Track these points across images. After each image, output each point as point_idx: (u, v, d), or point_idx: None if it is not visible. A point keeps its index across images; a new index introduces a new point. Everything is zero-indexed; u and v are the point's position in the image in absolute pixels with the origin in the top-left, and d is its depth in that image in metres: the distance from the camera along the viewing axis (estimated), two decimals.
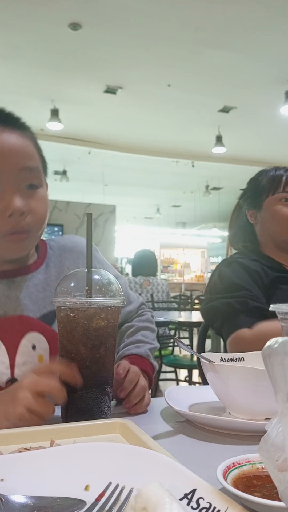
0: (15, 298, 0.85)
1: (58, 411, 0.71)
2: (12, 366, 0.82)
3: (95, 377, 0.68)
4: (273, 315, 1.17)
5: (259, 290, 1.25)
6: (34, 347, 0.84)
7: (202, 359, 0.75)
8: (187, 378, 3.75)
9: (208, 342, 1.46)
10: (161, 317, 3.37)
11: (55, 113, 7.23)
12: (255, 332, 1.12)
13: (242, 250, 1.45)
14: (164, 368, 3.79)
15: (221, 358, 0.81)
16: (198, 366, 1.49)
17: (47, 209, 0.85)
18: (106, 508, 0.39)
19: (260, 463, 0.45)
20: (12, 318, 0.83)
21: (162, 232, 16.85)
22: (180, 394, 0.78)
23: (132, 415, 0.75)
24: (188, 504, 0.38)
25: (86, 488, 0.42)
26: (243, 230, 1.47)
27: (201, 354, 0.78)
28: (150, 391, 0.83)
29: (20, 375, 0.82)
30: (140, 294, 4.07)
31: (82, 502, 0.39)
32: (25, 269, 0.89)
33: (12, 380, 0.81)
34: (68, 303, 0.66)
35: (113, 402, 0.79)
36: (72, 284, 0.69)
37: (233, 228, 1.52)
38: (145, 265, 4.32)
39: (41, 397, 0.63)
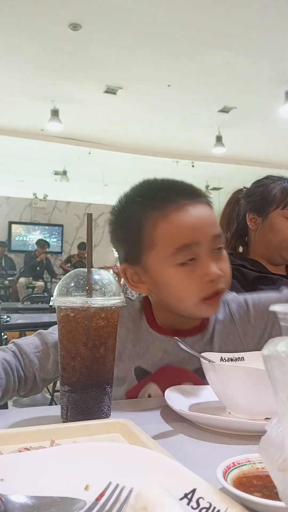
0: (182, 354, 0.89)
1: (58, 411, 0.71)
2: None
3: (95, 377, 0.68)
4: None
5: (243, 290, 1.26)
6: None
7: (202, 359, 0.75)
8: None
9: None
10: None
11: (55, 113, 7.23)
12: None
13: (229, 257, 1.44)
14: None
15: (221, 358, 0.81)
16: None
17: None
18: (106, 508, 0.39)
19: (260, 463, 0.45)
20: (174, 369, 0.90)
21: None
22: (180, 394, 0.78)
23: None
24: (188, 504, 0.38)
25: (86, 488, 0.42)
26: (237, 231, 1.45)
27: (201, 354, 0.78)
28: None
29: None
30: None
31: (82, 502, 0.39)
32: (195, 329, 0.93)
33: None
34: (68, 303, 0.66)
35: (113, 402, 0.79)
36: (72, 284, 0.69)
37: (224, 228, 1.48)
38: None
39: None
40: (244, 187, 1.50)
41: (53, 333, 0.90)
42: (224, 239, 0.90)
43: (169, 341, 0.90)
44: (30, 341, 0.88)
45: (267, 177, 1.44)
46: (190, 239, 0.81)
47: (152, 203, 0.85)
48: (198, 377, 0.89)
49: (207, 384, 0.75)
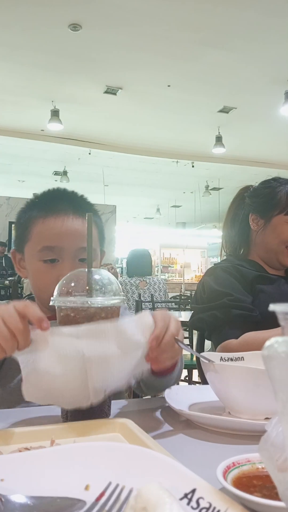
0: None
1: (58, 411, 0.71)
2: None
3: None
4: (256, 320, 1.18)
5: (242, 289, 1.26)
6: None
7: (202, 359, 0.75)
8: (187, 378, 3.75)
9: (207, 342, 1.46)
10: None
11: (55, 113, 7.24)
12: (241, 343, 1.14)
13: (228, 257, 1.43)
14: None
15: (221, 357, 0.81)
16: (198, 365, 1.49)
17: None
18: (106, 508, 0.39)
19: (260, 463, 0.45)
20: None
21: (162, 232, 16.85)
22: (180, 393, 0.78)
23: (159, 368, 0.72)
24: (188, 504, 0.38)
25: (86, 488, 0.42)
26: (239, 230, 1.43)
27: (201, 353, 0.78)
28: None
29: None
30: (139, 295, 4.06)
31: (82, 502, 0.39)
32: None
33: None
34: (69, 303, 0.66)
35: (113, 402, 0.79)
36: (73, 284, 0.69)
37: (228, 225, 1.48)
38: (139, 265, 4.19)
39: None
40: (251, 185, 1.47)
41: None
42: (93, 254, 0.93)
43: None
44: None
45: (275, 179, 1.40)
46: (54, 243, 0.95)
47: (41, 206, 1.00)
48: None
49: None
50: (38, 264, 0.96)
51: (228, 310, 1.20)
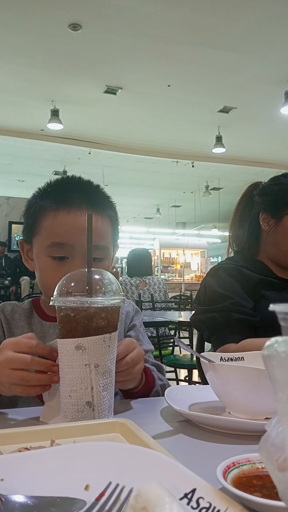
0: None
1: None
2: None
3: None
4: (256, 325, 1.17)
5: (244, 293, 1.23)
6: None
7: (202, 359, 0.75)
8: (187, 378, 3.75)
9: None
10: (161, 317, 3.38)
11: (55, 113, 7.24)
12: (240, 349, 1.11)
13: (234, 256, 1.38)
14: (164, 368, 3.78)
15: (221, 357, 0.81)
16: (198, 365, 1.48)
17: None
18: (106, 508, 0.39)
19: (260, 462, 0.45)
20: None
21: (162, 232, 16.85)
22: (180, 393, 0.78)
23: (118, 387, 0.78)
24: (188, 504, 0.38)
25: (86, 488, 0.42)
26: (249, 230, 1.37)
27: (201, 353, 0.78)
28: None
29: None
30: (139, 295, 4.06)
31: (82, 502, 0.39)
32: None
33: None
34: (69, 303, 0.66)
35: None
36: (73, 284, 0.69)
37: (236, 224, 1.40)
38: (139, 265, 4.19)
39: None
40: (260, 182, 1.39)
41: None
42: (106, 252, 0.94)
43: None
44: None
45: (285, 175, 1.33)
46: (64, 239, 0.89)
47: (52, 197, 0.93)
48: None
49: None
50: (46, 259, 0.91)
51: (228, 314, 1.18)
